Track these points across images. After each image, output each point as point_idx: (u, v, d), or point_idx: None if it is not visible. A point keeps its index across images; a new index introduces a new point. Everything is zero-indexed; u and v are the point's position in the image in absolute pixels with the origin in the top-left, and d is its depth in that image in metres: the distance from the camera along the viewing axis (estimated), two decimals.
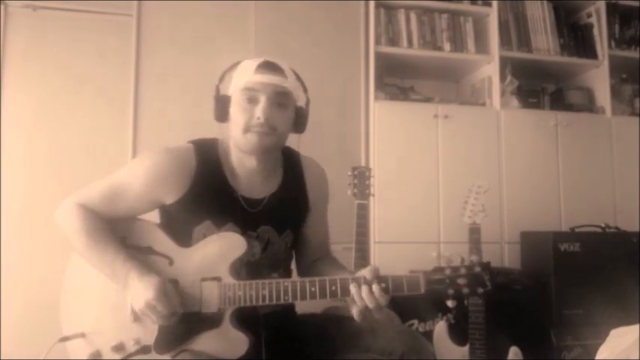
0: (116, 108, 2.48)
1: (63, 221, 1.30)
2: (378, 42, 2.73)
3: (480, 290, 1.16)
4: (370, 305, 1.16)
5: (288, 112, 1.35)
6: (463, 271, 1.17)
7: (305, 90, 1.42)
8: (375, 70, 2.70)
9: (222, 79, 1.38)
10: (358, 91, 2.73)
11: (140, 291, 1.19)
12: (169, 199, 1.31)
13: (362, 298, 1.16)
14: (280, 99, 1.31)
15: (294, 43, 2.67)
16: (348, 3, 2.77)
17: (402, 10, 2.79)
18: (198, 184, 1.31)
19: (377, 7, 2.74)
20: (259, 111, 1.28)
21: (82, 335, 1.28)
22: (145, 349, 1.23)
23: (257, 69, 1.31)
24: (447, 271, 1.17)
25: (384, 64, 2.77)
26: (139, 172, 1.32)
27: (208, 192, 1.31)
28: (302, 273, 1.48)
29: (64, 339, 1.29)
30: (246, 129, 1.29)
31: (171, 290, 1.21)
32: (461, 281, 1.16)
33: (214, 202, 1.32)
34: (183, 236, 1.31)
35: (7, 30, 2.42)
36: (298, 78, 1.40)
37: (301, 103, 1.41)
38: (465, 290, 1.16)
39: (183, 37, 2.56)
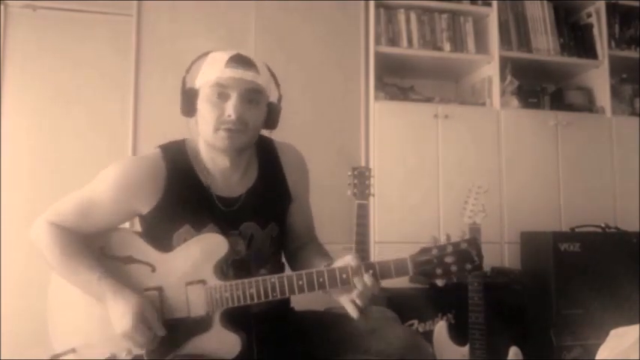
0: (116, 107, 2.48)
1: (37, 239, 1.28)
2: (378, 42, 2.73)
3: (468, 266, 1.14)
4: (360, 289, 1.15)
5: (260, 108, 1.30)
6: (450, 249, 1.15)
7: (277, 85, 1.38)
8: (375, 70, 2.70)
9: (189, 69, 1.33)
10: (358, 91, 2.73)
11: (117, 318, 1.17)
12: (144, 208, 1.28)
13: (363, 284, 1.15)
14: (252, 95, 1.27)
15: (294, 43, 2.67)
16: (348, 3, 2.77)
17: (402, 10, 2.79)
18: (172, 189, 1.28)
19: (377, 7, 2.74)
20: (230, 108, 1.24)
21: (73, 351, 1.25)
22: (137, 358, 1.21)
23: (228, 63, 1.25)
24: (434, 251, 1.15)
25: (384, 64, 2.77)
26: (108, 185, 1.28)
27: (183, 196, 1.28)
28: (288, 260, 1.46)
29: (55, 357, 1.26)
30: (217, 127, 1.25)
31: (150, 313, 1.18)
32: (448, 259, 1.14)
33: (190, 205, 1.29)
34: (163, 243, 1.28)
35: (7, 30, 2.42)
36: (271, 72, 1.35)
37: (273, 98, 1.36)
38: (454, 268, 1.14)
39: (183, 37, 2.56)
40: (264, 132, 1.39)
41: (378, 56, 2.72)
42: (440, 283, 1.15)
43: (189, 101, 1.31)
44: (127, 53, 2.50)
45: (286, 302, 1.44)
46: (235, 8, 2.64)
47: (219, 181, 1.33)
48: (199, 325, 1.21)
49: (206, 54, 1.32)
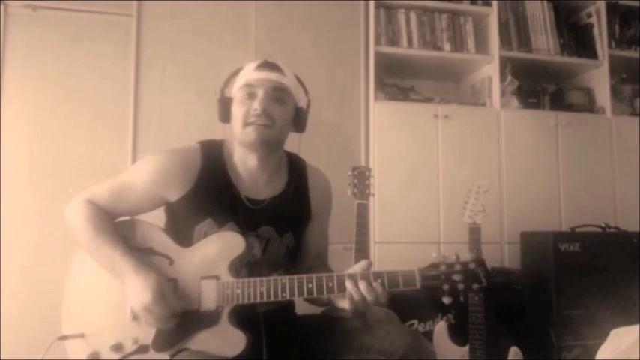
0: (116, 107, 2.48)
1: (71, 216, 1.34)
2: (378, 42, 2.73)
3: (476, 286, 1.17)
4: (369, 298, 1.18)
5: (287, 107, 1.39)
6: (458, 267, 1.18)
7: (306, 92, 1.48)
8: (375, 70, 2.70)
9: (227, 83, 1.44)
10: (358, 91, 2.73)
11: (136, 292, 1.21)
12: (173, 196, 1.35)
13: (360, 293, 1.18)
14: (278, 94, 1.36)
15: (294, 43, 2.67)
16: (348, 3, 2.77)
17: (402, 10, 2.79)
18: (202, 182, 1.35)
19: (377, 7, 2.74)
20: (257, 103, 1.34)
21: (81, 335, 1.29)
22: (143, 349, 1.24)
23: (256, 67, 1.38)
24: (442, 267, 1.19)
25: (384, 64, 2.77)
26: (145, 172, 1.37)
27: (211, 190, 1.35)
28: None
29: (63, 337, 1.30)
30: (245, 122, 1.34)
31: (169, 290, 1.23)
32: (456, 277, 1.17)
33: (216, 200, 1.35)
34: (184, 235, 1.33)
35: (7, 30, 2.42)
36: (299, 80, 1.46)
37: (302, 103, 1.45)
38: (460, 286, 1.17)
39: (183, 37, 2.56)
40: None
41: (378, 56, 2.72)
42: (446, 300, 1.18)
43: (224, 108, 1.41)
44: (127, 53, 2.50)
45: (291, 307, 1.48)
46: (235, 9, 2.64)
47: (247, 183, 1.40)
48: (208, 319, 1.24)
49: (240, 68, 1.43)
